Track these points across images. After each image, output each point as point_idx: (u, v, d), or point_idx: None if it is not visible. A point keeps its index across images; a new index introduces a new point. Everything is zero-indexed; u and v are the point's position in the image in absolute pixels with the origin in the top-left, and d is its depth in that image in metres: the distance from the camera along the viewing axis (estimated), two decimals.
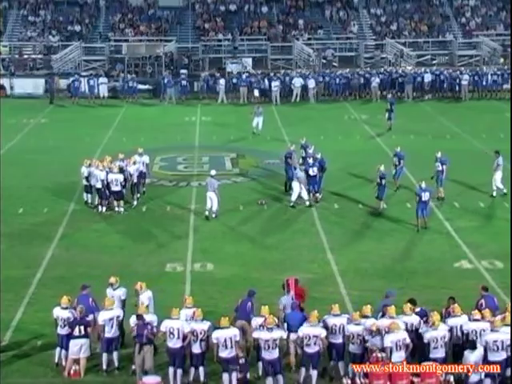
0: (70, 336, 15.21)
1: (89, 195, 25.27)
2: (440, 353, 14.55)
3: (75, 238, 22.85)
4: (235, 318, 15.59)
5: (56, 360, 15.45)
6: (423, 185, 23.00)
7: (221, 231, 23.29)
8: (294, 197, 25.35)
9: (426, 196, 22.83)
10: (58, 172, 29.00)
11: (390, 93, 43.75)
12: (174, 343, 14.82)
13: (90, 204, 25.19)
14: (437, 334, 14.56)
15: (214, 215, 24.11)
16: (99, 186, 24.54)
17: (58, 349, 15.48)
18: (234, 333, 14.57)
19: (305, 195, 25.32)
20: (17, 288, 19.06)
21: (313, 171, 25.45)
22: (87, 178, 24.95)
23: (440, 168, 25.68)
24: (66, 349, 15.30)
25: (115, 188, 24.52)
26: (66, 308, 15.46)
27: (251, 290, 16.28)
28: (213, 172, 24.86)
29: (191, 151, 32.84)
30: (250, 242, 22.51)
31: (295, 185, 25.33)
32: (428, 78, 45.39)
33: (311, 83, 44.59)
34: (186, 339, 14.79)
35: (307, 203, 25.26)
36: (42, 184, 27.88)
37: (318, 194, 25.80)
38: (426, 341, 14.56)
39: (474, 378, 14.26)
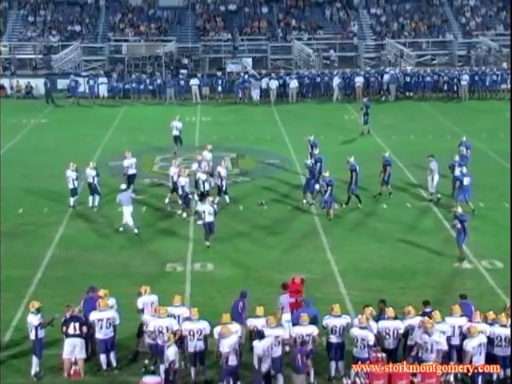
0: (66, 335, 15.24)
1: (91, 197, 25.31)
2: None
3: (75, 238, 22.86)
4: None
5: (33, 372, 15.19)
6: (459, 210, 21.15)
7: (221, 231, 23.23)
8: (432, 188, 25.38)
9: (466, 224, 20.83)
10: (58, 172, 28.95)
11: (366, 96, 42.41)
12: (164, 341, 14.82)
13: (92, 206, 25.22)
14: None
15: (136, 230, 22.95)
16: (180, 192, 24.62)
17: (34, 358, 15.22)
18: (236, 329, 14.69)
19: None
20: (17, 288, 19.07)
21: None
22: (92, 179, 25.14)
23: (465, 152, 25.81)
24: (39, 356, 15.14)
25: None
26: (37, 313, 15.30)
27: (243, 291, 16.25)
28: (123, 186, 24.01)
29: (191, 151, 32.83)
30: (250, 242, 22.51)
31: (430, 178, 25.25)
32: (386, 78, 45.40)
33: (293, 83, 44.57)
34: (175, 337, 14.87)
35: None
36: (41, 184, 27.89)
37: (337, 206, 24.88)
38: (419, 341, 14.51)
39: None
